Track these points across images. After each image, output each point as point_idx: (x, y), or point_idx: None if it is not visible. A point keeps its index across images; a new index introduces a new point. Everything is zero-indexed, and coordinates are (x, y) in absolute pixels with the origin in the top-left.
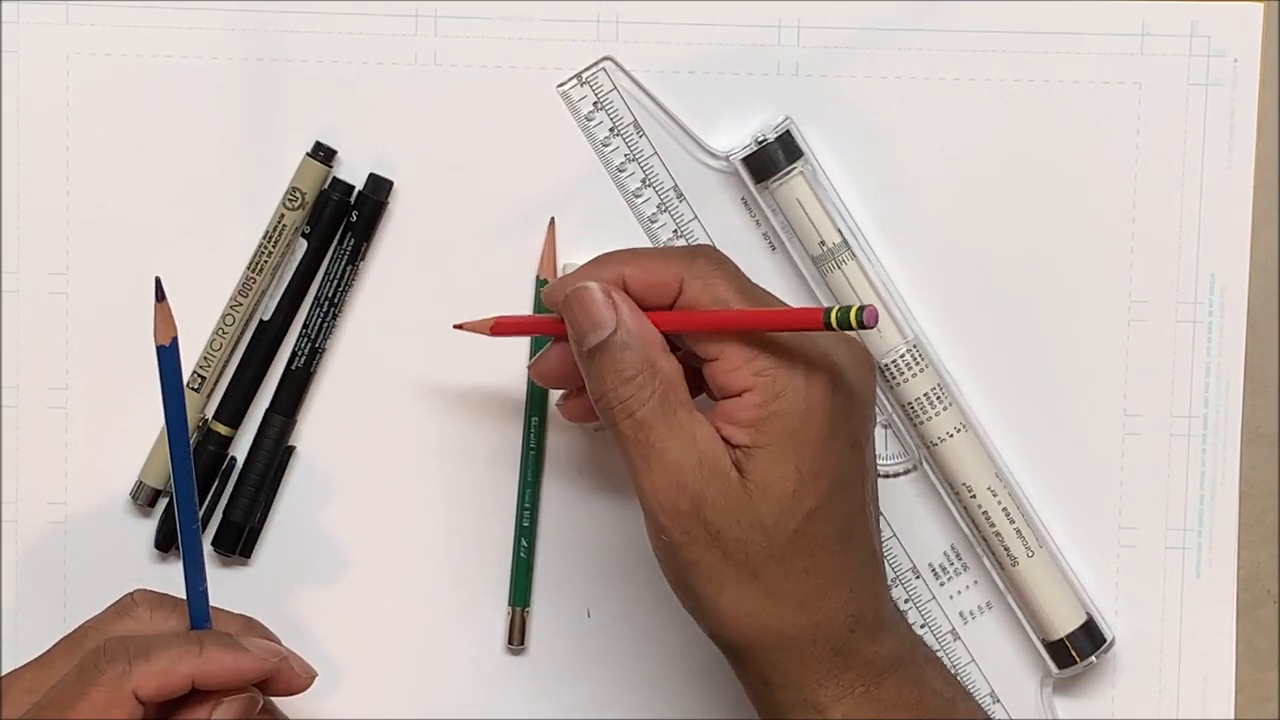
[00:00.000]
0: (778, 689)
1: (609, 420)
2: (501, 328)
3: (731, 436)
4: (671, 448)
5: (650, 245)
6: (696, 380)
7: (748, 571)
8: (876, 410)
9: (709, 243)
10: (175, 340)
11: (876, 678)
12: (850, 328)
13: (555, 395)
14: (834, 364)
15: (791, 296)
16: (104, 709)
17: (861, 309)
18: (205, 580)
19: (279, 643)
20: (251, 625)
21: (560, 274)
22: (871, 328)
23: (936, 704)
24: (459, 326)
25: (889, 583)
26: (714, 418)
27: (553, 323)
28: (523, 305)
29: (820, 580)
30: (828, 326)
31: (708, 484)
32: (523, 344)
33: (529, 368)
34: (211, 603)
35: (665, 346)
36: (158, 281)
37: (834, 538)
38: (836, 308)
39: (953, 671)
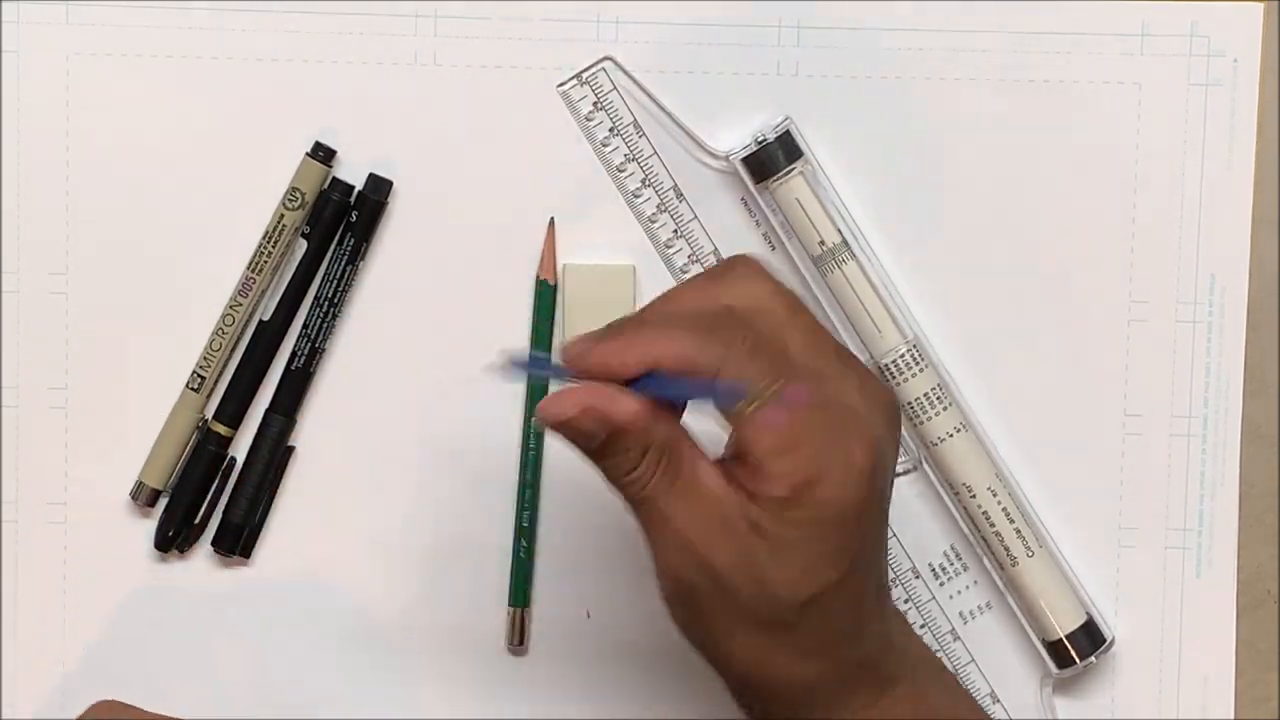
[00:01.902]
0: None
1: (623, 499)
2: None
3: (759, 492)
4: (680, 516)
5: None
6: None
7: (756, 624)
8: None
9: (708, 242)
10: None
11: (879, 695)
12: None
13: None
14: (874, 440)
15: None
16: None
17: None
18: None
19: None
20: None
21: (560, 274)
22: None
23: (944, 716)
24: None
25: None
26: (741, 470)
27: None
28: (523, 305)
29: (830, 634)
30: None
31: (717, 547)
32: (522, 346)
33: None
34: (212, 603)
35: (657, 413)
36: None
37: (850, 605)
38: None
39: (958, 680)
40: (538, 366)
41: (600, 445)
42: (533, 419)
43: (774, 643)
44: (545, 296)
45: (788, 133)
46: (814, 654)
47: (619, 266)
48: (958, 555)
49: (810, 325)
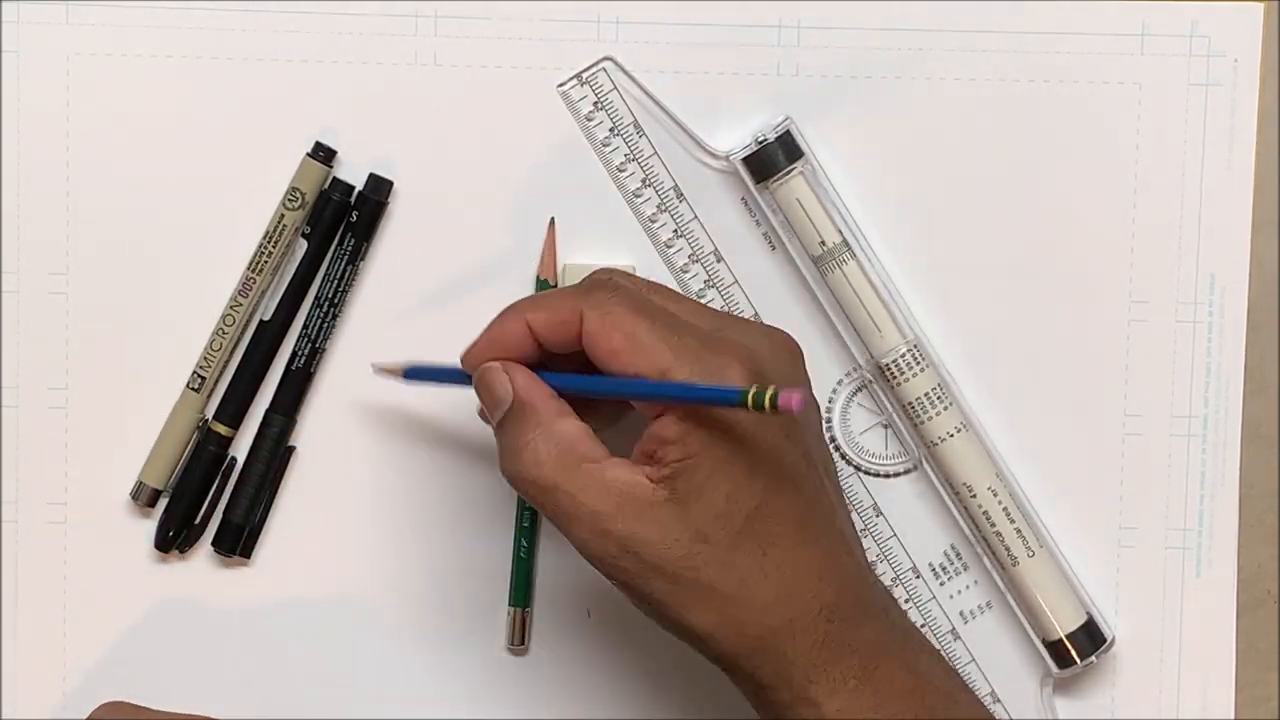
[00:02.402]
0: (770, 690)
1: (521, 492)
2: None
3: (663, 454)
4: (583, 501)
5: (614, 265)
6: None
7: (703, 586)
8: (812, 394)
9: (708, 242)
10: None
11: (867, 668)
12: (763, 409)
13: None
14: (753, 361)
15: (792, 296)
16: None
17: (776, 395)
18: None
19: None
20: None
21: (560, 274)
22: (792, 411)
23: (933, 695)
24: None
25: (872, 569)
26: (644, 443)
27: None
28: None
29: (781, 578)
30: (740, 406)
31: (631, 522)
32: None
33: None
34: (212, 602)
35: (562, 410)
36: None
37: (785, 533)
38: (753, 390)
39: (952, 665)
40: (430, 374)
41: (503, 417)
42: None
43: (728, 603)
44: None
45: (788, 133)
46: (774, 605)
47: (620, 266)
48: (958, 555)
49: (684, 298)
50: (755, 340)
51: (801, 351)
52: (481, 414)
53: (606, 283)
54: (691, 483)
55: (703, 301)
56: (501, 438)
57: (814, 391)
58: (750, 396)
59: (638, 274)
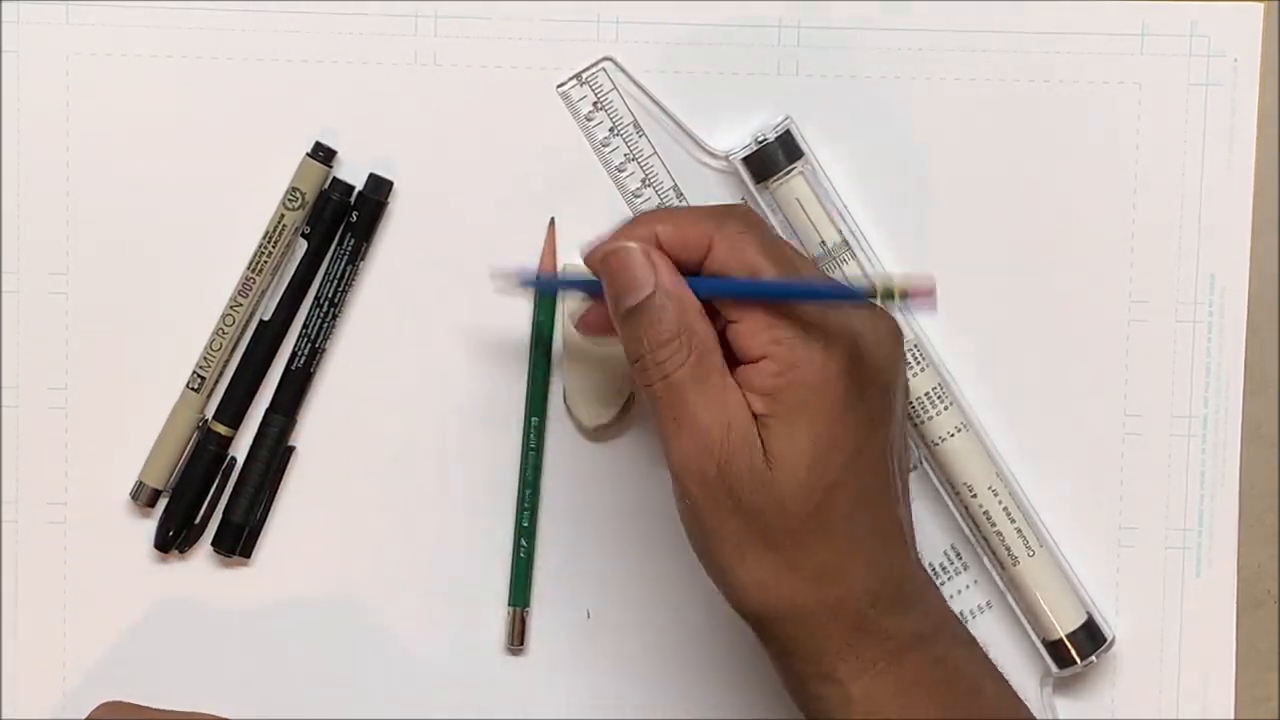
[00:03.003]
0: (798, 660)
1: (644, 381)
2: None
3: (750, 404)
4: (703, 412)
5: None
6: (727, 344)
7: (766, 542)
8: (906, 383)
9: None
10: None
11: (898, 654)
12: (893, 300)
13: (556, 394)
14: (854, 335)
15: None
16: None
17: (906, 291)
18: None
19: None
20: None
21: (560, 275)
22: (925, 308)
23: (961, 685)
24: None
25: (919, 557)
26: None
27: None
28: (523, 305)
29: (838, 555)
30: (869, 299)
31: (735, 451)
32: (523, 346)
33: (574, 322)
34: (212, 602)
35: (701, 310)
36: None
37: (852, 513)
38: (881, 283)
39: (984, 650)
40: (548, 281)
41: (639, 304)
42: (580, 254)
43: (783, 566)
44: (546, 296)
45: (788, 132)
46: (823, 579)
47: None
48: (958, 555)
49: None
50: (863, 313)
51: (902, 335)
52: (581, 319)
53: (743, 216)
54: (776, 440)
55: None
56: (631, 327)
57: None
58: (880, 291)
59: None
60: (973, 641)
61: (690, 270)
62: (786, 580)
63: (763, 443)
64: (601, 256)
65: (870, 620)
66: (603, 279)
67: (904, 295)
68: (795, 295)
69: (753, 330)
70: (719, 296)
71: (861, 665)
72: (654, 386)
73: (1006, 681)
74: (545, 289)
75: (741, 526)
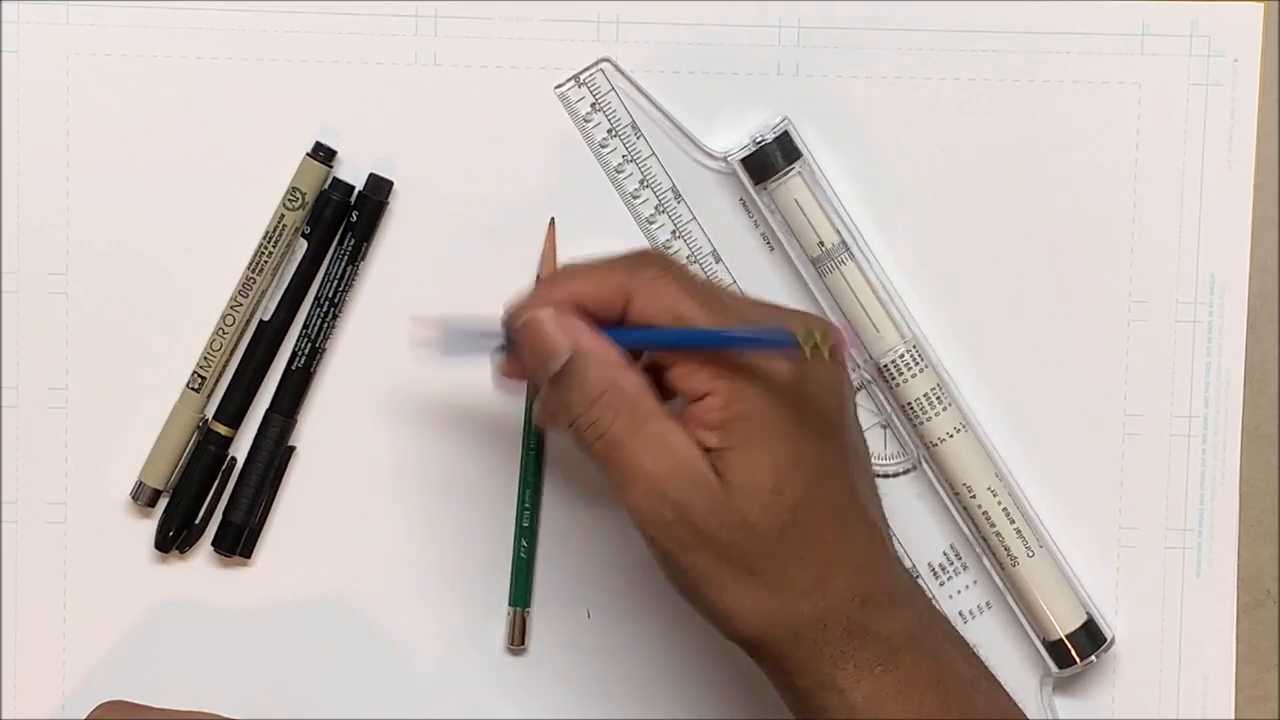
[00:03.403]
0: (797, 676)
1: (582, 444)
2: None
3: (703, 440)
4: (646, 461)
5: (602, 255)
6: (664, 383)
7: (744, 569)
8: (851, 384)
9: (706, 243)
10: None
11: (893, 655)
12: (816, 348)
13: None
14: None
15: (790, 297)
16: None
17: (826, 331)
18: None
19: None
20: None
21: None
22: (843, 345)
23: (957, 683)
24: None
25: (899, 558)
26: (684, 422)
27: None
28: None
29: (820, 567)
30: (793, 348)
31: (688, 490)
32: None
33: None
34: (212, 603)
35: (625, 360)
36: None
37: (826, 524)
38: (802, 328)
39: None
40: (469, 340)
41: (560, 370)
42: (502, 319)
43: (766, 587)
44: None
45: (786, 133)
46: (810, 593)
47: None
48: (958, 555)
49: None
50: (798, 321)
51: (844, 339)
52: (502, 376)
53: (656, 260)
54: (735, 469)
55: None
56: (558, 393)
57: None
58: (802, 337)
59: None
60: (962, 640)
61: (613, 323)
62: (773, 601)
63: (722, 474)
64: (517, 328)
65: (862, 624)
66: (520, 352)
67: (825, 339)
68: (716, 343)
69: (690, 370)
70: (643, 347)
71: (860, 671)
72: (594, 447)
73: (997, 679)
74: (465, 351)
75: (714, 560)
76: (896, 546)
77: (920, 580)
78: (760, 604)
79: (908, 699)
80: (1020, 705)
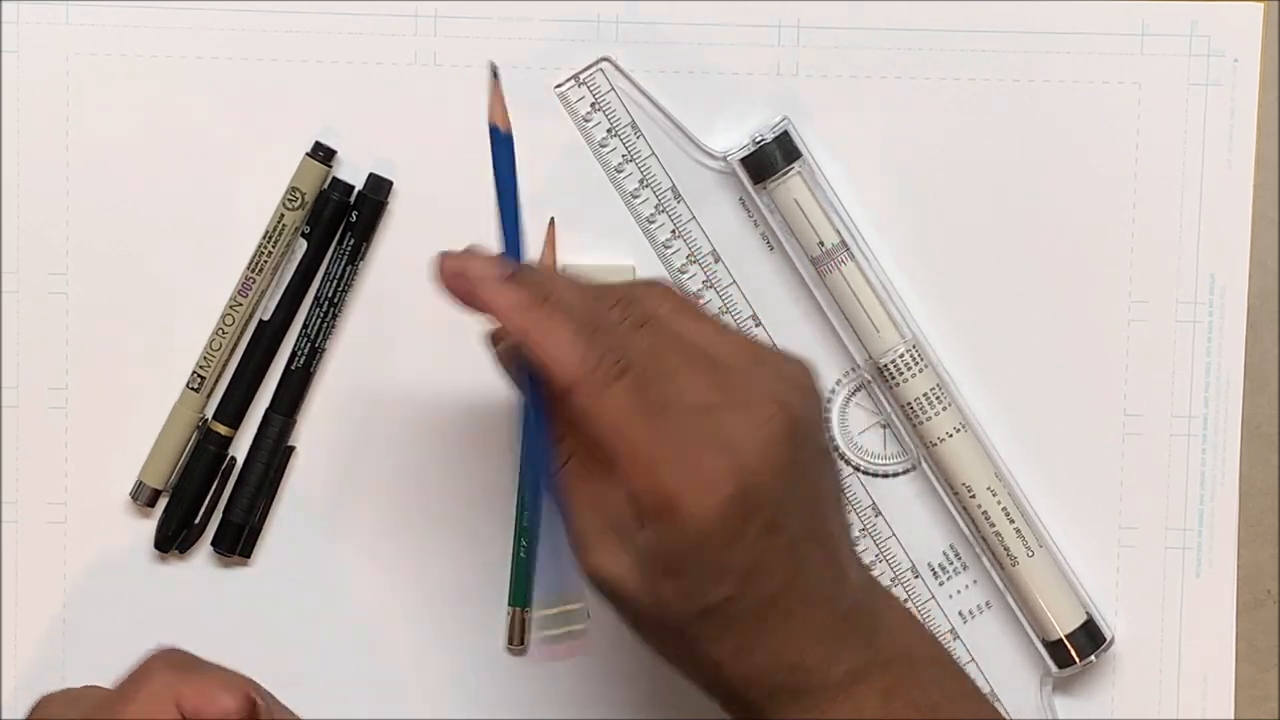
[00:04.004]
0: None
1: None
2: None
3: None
4: (584, 515)
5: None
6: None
7: (670, 631)
8: (824, 441)
9: (706, 243)
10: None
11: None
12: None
13: None
14: (741, 446)
15: (790, 297)
16: (150, 710)
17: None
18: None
19: None
20: None
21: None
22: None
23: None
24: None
25: (867, 584)
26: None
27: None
28: None
29: (749, 636)
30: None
31: (615, 554)
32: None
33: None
34: (212, 603)
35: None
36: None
37: (761, 609)
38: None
39: (963, 677)
40: None
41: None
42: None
43: (690, 649)
44: None
45: (786, 133)
46: (743, 652)
47: (619, 266)
48: (958, 555)
49: (713, 323)
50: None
51: (815, 394)
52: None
53: (616, 352)
54: (662, 555)
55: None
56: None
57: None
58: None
59: (639, 274)
60: (939, 659)
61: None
62: (701, 660)
63: (643, 548)
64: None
65: (806, 674)
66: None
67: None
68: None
69: (625, 449)
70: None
71: (811, 712)
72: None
73: (977, 699)
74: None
75: (639, 618)
76: (896, 547)
77: (920, 580)
78: (691, 659)
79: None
80: (1019, 706)
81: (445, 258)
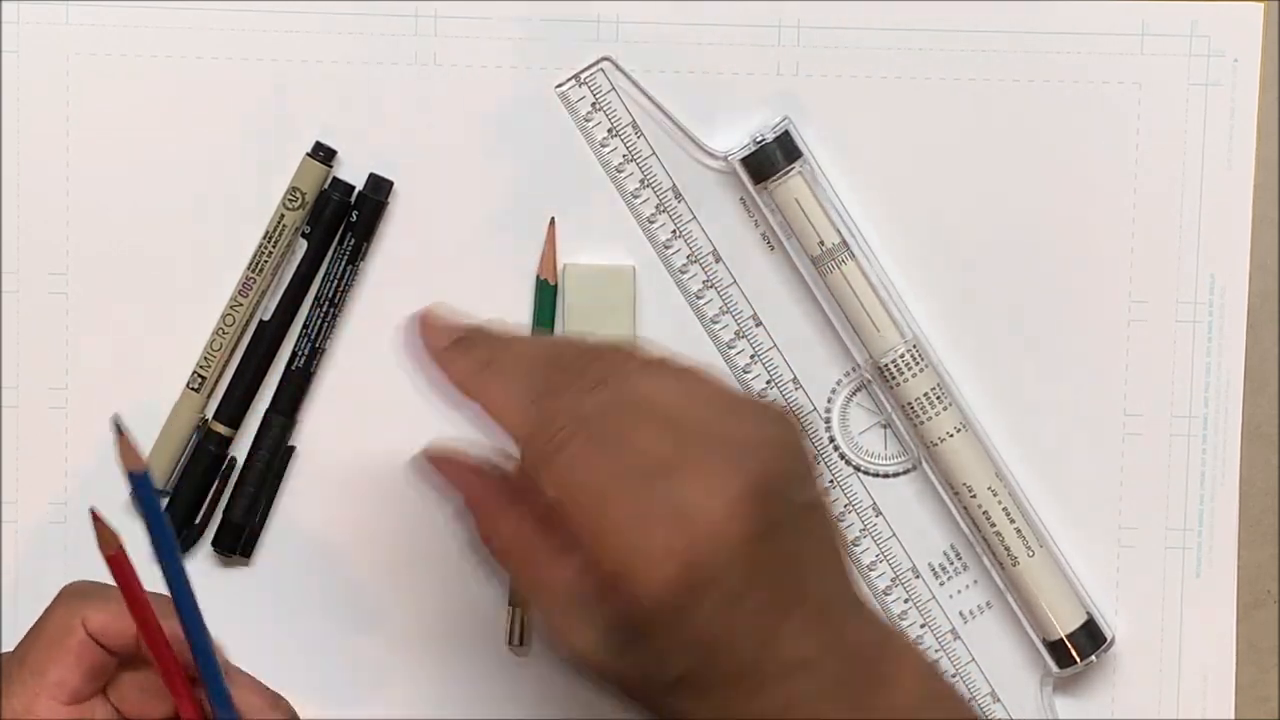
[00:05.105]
0: None
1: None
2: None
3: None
4: (543, 591)
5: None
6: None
7: (634, 694)
8: (828, 505)
9: (706, 242)
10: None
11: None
12: None
13: None
14: (697, 516)
15: (790, 297)
16: (58, 634)
17: None
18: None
19: None
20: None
21: (560, 274)
22: None
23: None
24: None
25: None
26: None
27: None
28: (523, 305)
29: (716, 705)
30: None
31: (576, 628)
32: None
33: None
34: (212, 603)
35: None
36: (115, 421)
37: (727, 681)
38: None
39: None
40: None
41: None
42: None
43: (672, 714)
44: (546, 296)
45: (786, 133)
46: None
47: (619, 266)
48: (958, 555)
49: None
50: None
51: (794, 447)
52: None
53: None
54: (619, 629)
55: (701, 304)
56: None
57: (811, 406)
58: None
59: (639, 274)
60: (925, 674)
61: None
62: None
63: (601, 623)
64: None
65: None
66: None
67: None
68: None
69: (577, 517)
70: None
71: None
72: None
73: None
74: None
75: (603, 683)
76: (896, 547)
77: (920, 580)
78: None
79: None
80: (1019, 706)
81: (406, 325)
